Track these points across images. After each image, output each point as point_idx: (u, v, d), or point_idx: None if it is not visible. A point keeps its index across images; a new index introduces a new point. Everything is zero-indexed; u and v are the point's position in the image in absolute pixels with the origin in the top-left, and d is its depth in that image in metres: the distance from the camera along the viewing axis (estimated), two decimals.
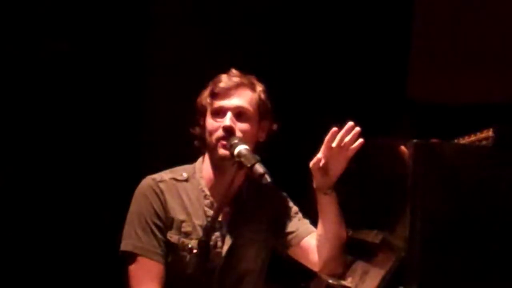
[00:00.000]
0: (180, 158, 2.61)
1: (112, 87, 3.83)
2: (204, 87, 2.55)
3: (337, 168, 2.37)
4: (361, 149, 2.36)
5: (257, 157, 2.30)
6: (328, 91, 3.96)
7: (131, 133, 3.83)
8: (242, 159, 2.30)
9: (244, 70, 2.55)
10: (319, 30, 4.04)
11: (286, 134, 2.62)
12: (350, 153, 2.34)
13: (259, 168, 2.25)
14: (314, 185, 2.41)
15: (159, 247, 2.44)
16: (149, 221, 2.44)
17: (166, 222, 2.46)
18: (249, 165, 2.27)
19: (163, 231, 2.45)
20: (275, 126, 2.56)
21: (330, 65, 4.02)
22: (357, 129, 2.33)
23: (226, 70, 2.54)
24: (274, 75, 2.55)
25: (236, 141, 2.37)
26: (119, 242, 2.49)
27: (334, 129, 2.34)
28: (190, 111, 2.56)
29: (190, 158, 2.60)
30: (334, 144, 2.32)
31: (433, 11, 4.15)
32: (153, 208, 2.46)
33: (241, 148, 2.33)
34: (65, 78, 3.79)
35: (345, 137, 2.32)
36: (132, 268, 2.44)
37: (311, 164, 2.37)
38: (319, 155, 2.35)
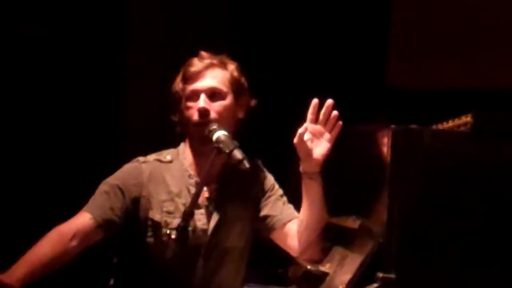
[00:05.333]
0: (159, 148, 2.59)
1: (90, 75, 3.81)
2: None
3: (321, 149, 2.37)
4: (340, 135, 2.36)
5: (236, 143, 2.31)
6: (308, 78, 3.96)
7: (110, 121, 3.81)
8: (221, 145, 2.31)
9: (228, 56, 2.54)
10: (299, 19, 4.04)
11: (269, 118, 2.60)
12: (332, 136, 2.37)
13: (238, 154, 2.27)
14: (301, 169, 2.41)
15: (108, 210, 2.41)
16: (115, 186, 2.43)
17: (136, 200, 2.43)
18: (227, 151, 2.29)
19: (125, 203, 2.43)
20: (253, 102, 2.55)
21: (309, 52, 4.01)
22: (335, 112, 2.35)
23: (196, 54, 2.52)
24: (255, 60, 2.53)
25: (214, 127, 2.37)
26: None
27: (315, 100, 2.35)
28: (168, 99, 2.55)
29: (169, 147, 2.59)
30: (318, 122, 2.35)
31: None
32: (126, 180, 2.45)
33: (220, 134, 2.34)
34: (41, 66, 3.76)
35: (327, 113, 2.35)
36: None
37: (295, 139, 2.36)
38: (301, 129, 2.35)
